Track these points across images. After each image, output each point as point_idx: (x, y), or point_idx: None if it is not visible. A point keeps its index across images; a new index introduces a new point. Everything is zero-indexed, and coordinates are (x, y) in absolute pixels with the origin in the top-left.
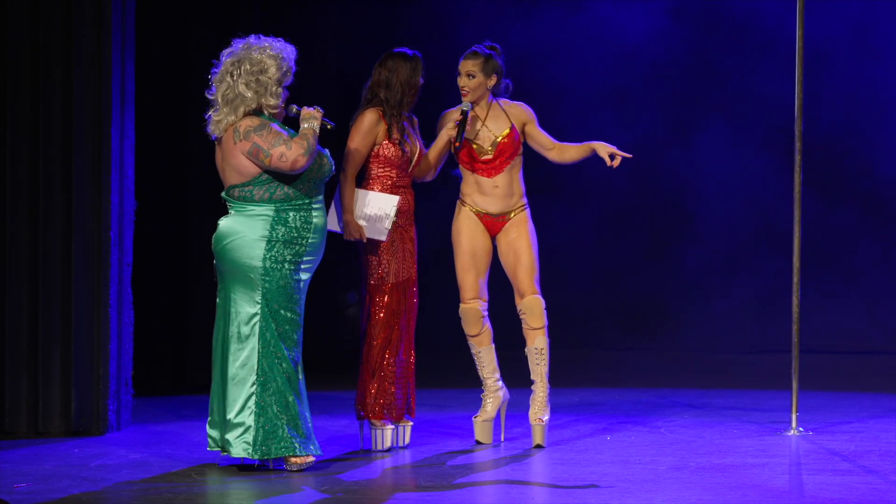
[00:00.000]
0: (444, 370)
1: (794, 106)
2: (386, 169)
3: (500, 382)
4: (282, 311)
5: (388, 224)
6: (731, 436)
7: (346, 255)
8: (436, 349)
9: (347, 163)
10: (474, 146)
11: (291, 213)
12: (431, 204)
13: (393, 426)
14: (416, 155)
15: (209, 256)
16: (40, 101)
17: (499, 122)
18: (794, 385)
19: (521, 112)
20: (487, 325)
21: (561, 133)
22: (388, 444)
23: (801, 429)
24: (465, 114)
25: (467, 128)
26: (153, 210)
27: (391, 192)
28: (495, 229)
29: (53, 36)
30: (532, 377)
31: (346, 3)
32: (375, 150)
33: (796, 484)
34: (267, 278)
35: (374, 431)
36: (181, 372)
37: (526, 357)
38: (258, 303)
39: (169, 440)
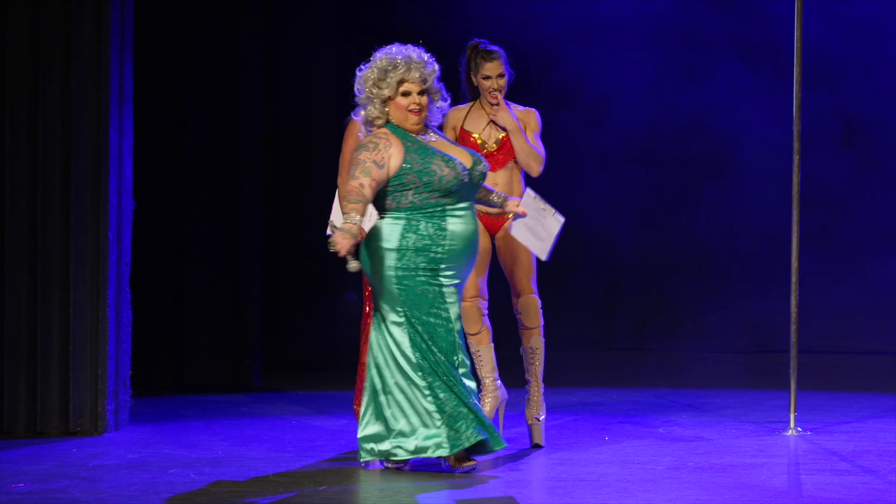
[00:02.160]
0: None
1: (792, 98)
2: None
3: (499, 382)
4: (424, 317)
5: None
6: (730, 436)
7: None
8: None
9: (344, 166)
10: (478, 141)
11: (423, 221)
12: None
13: None
14: None
15: (208, 256)
16: (39, 101)
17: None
18: (793, 385)
19: (529, 118)
20: (487, 324)
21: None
22: None
23: (799, 429)
24: None
25: None
26: (152, 210)
27: None
28: (494, 228)
29: (52, 35)
30: (527, 377)
31: (346, 4)
32: None
33: (795, 484)
34: (402, 287)
35: None
36: (179, 372)
37: (522, 357)
38: (399, 311)
39: (167, 440)
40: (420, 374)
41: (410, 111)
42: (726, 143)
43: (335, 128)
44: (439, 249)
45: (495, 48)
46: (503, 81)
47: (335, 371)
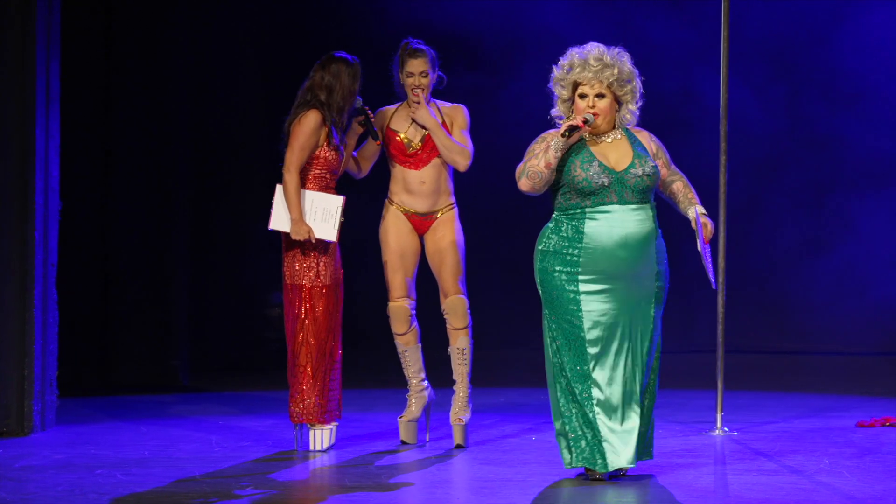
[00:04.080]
0: (370, 370)
1: (720, 103)
2: (322, 170)
3: (426, 383)
4: (560, 322)
5: (335, 224)
6: (656, 436)
7: (274, 255)
8: (361, 349)
9: (291, 161)
10: (404, 140)
11: (565, 223)
12: (357, 203)
13: (331, 426)
14: (345, 157)
15: (134, 257)
16: None
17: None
18: (720, 385)
19: (456, 114)
20: (415, 324)
21: None
22: (327, 444)
23: (726, 429)
24: (362, 111)
25: (372, 117)
26: (78, 210)
27: (325, 193)
28: (423, 228)
29: None
30: (454, 377)
31: (276, 4)
32: (316, 152)
33: (721, 484)
34: (543, 289)
35: (314, 432)
36: (106, 372)
37: (450, 357)
38: (545, 314)
39: (94, 440)
40: (549, 375)
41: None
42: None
43: (263, 127)
44: (575, 252)
45: (423, 47)
46: (426, 80)
47: (262, 372)
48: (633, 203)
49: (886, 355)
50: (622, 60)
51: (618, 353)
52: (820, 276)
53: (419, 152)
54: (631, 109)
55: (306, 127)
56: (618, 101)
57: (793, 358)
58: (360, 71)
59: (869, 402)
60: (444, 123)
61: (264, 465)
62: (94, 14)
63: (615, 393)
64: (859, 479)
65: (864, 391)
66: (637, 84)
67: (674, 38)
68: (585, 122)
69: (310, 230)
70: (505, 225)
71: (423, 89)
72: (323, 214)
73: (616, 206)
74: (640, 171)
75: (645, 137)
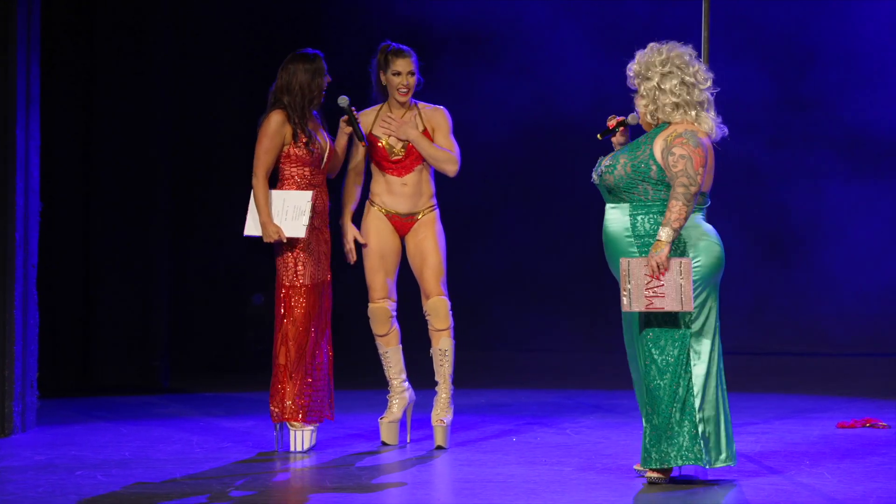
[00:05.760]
0: (351, 371)
1: None
2: (298, 167)
3: (407, 384)
4: None
5: (305, 221)
6: (637, 437)
7: (256, 256)
8: (343, 350)
9: (258, 165)
10: (385, 146)
11: None
12: (338, 203)
13: (311, 427)
14: (327, 152)
15: (115, 257)
16: None
17: (412, 124)
18: None
19: (437, 117)
20: (395, 325)
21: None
22: (307, 444)
23: None
24: (347, 111)
25: (359, 119)
26: (59, 211)
27: (306, 190)
28: (404, 229)
29: None
30: (436, 378)
31: (257, 7)
32: (286, 150)
33: (701, 485)
34: None
35: (294, 433)
36: (87, 373)
37: (432, 358)
38: None
39: (75, 442)
40: None
41: None
42: None
43: (245, 129)
44: None
45: (405, 47)
46: (413, 80)
47: (242, 373)
48: (610, 201)
49: (866, 356)
50: (643, 57)
51: (637, 357)
52: (799, 275)
53: (403, 160)
54: (640, 107)
55: (267, 129)
56: None
57: (772, 359)
58: (323, 65)
59: (849, 403)
60: (425, 131)
61: (245, 466)
62: (75, 14)
63: (639, 392)
64: (840, 481)
65: (845, 392)
66: (656, 83)
67: (662, 13)
68: (620, 122)
69: (278, 230)
70: (488, 224)
71: (409, 89)
72: (294, 212)
73: (608, 203)
74: (602, 171)
75: (660, 138)
